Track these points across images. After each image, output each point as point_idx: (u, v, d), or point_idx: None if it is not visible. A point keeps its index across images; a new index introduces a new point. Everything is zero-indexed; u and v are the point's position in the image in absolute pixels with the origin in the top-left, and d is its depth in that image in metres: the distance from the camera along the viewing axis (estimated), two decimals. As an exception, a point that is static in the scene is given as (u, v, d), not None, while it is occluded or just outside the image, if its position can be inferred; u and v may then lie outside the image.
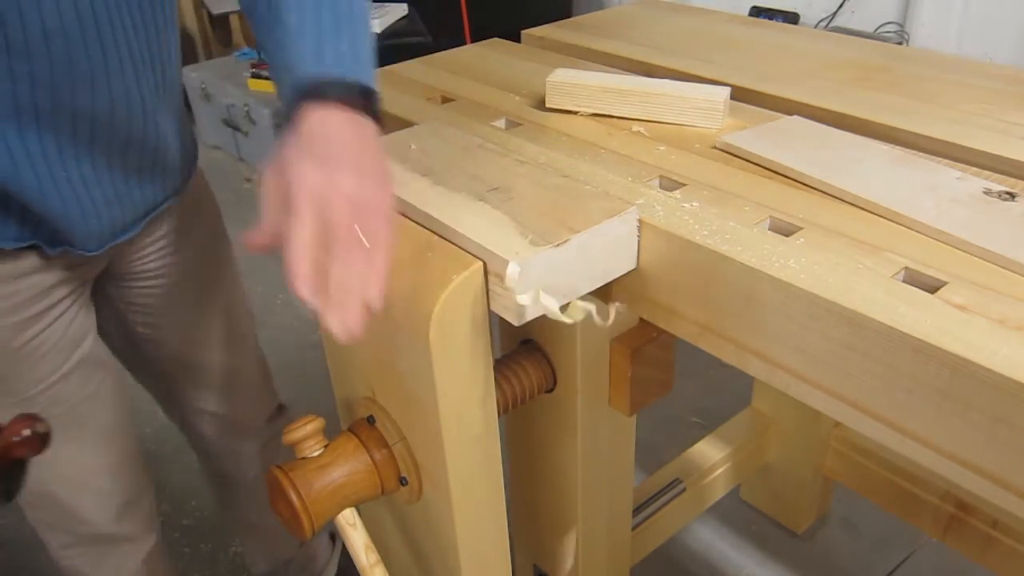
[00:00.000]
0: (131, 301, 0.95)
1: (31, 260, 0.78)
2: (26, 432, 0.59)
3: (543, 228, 0.66)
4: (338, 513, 0.77)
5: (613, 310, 0.68)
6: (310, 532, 0.74)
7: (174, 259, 0.94)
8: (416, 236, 0.70)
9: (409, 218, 0.72)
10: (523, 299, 0.63)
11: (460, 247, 0.67)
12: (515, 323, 0.65)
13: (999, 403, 0.49)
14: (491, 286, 0.66)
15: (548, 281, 0.65)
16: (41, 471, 0.86)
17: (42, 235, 0.76)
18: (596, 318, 0.65)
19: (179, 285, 0.96)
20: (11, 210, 0.73)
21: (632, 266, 0.70)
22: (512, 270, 0.62)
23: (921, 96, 0.90)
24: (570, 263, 0.66)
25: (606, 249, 0.68)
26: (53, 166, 0.72)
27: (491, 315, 0.68)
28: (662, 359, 0.85)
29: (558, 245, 0.64)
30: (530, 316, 0.65)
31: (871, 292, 0.56)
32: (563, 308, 0.65)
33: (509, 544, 0.84)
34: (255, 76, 2.97)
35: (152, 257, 0.92)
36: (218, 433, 1.13)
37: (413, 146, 0.82)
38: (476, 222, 0.67)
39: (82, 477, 0.94)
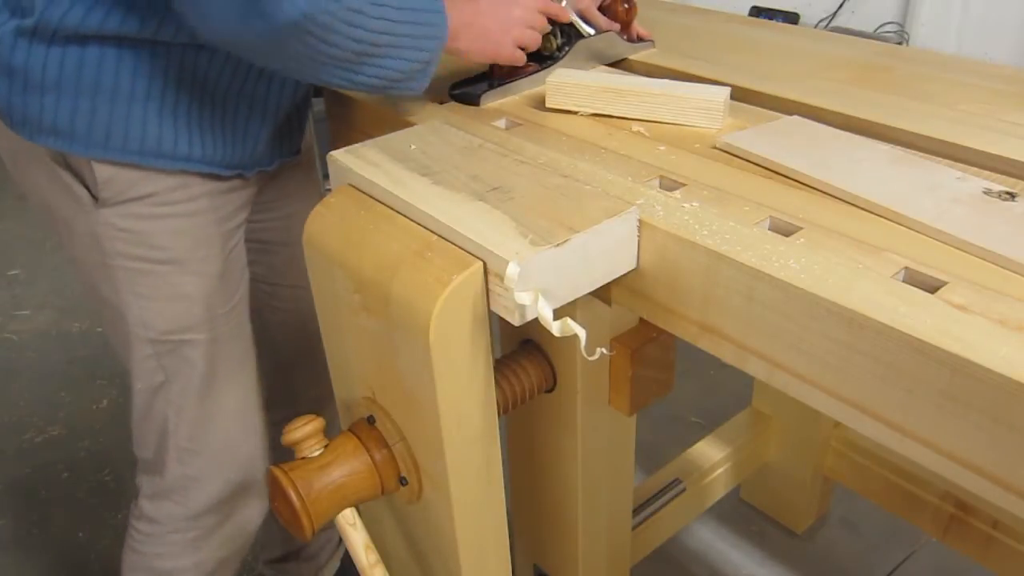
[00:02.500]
0: (248, 238, 1.02)
1: (233, 182, 0.92)
2: None
3: (543, 228, 0.66)
4: (338, 513, 0.77)
5: (599, 351, 0.70)
6: (310, 532, 0.74)
7: (291, 199, 1.07)
8: (416, 236, 0.70)
9: (409, 218, 0.72)
10: (523, 299, 0.63)
11: (460, 247, 0.67)
12: (515, 323, 0.65)
13: (999, 403, 0.49)
14: (491, 286, 0.66)
15: (548, 281, 0.65)
16: (221, 398, 0.97)
17: (245, 163, 0.91)
18: (582, 347, 0.66)
19: (290, 218, 1.07)
20: (227, 142, 0.88)
21: (632, 266, 0.70)
22: (512, 270, 0.62)
23: (921, 96, 0.90)
24: (570, 263, 0.66)
25: (606, 249, 0.68)
26: (255, 98, 0.89)
27: (491, 315, 0.68)
28: (662, 359, 0.85)
29: (558, 245, 0.64)
30: (530, 316, 0.65)
31: (871, 292, 0.56)
32: (557, 317, 0.65)
33: (509, 544, 0.84)
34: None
35: (277, 193, 1.05)
36: (280, 381, 1.16)
37: (413, 146, 0.82)
38: (476, 222, 0.67)
39: (247, 411, 1.01)
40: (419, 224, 0.71)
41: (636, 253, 0.70)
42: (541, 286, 0.65)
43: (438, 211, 0.69)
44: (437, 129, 0.86)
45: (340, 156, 0.81)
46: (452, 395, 0.69)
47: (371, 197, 0.77)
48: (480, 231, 0.66)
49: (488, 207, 0.69)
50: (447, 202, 0.71)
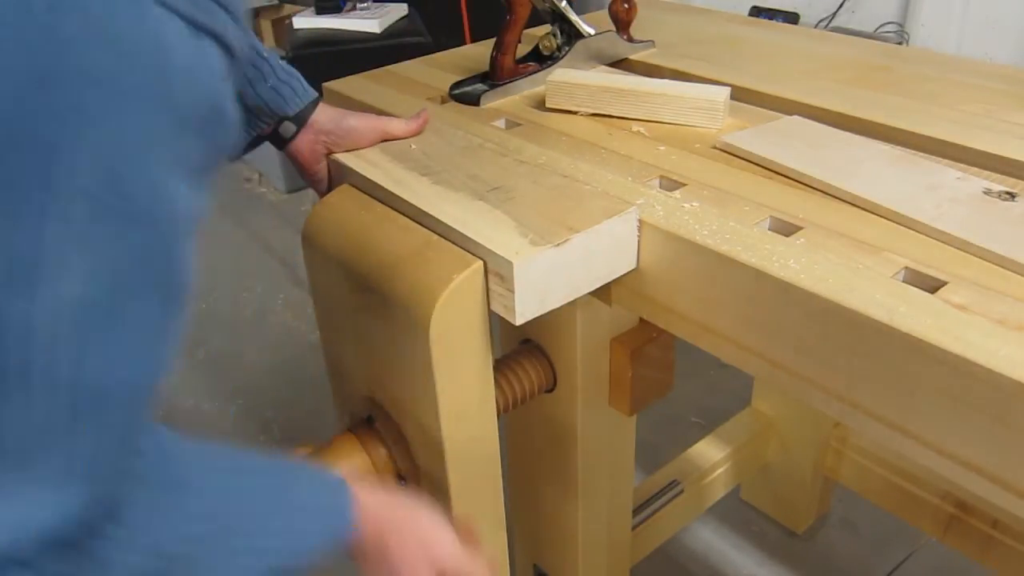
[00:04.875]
0: None
1: None
2: None
3: (543, 228, 0.66)
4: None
5: None
6: None
7: None
8: (416, 235, 0.70)
9: (409, 217, 0.72)
10: (523, 299, 0.63)
11: (460, 246, 0.67)
12: (515, 323, 0.65)
13: (999, 403, 0.49)
14: (491, 285, 0.66)
15: (548, 281, 0.65)
16: None
17: None
18: None
19: None
20: None
21: (632, 266, 0.70)
22: (514, 269, 0.62)
23: (921, 96, 0.90)
24: (571, 263, 0.66)
25: (606, 249, 0.68)
26: None
27: (491, 315, 0.68)
28: (662, 359, 0.85)
29: (558, 244, 0.64)
30: (530, 316, 0.65)
31: (871, 292, 0.56)
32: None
33: (509, 544, 0.83)
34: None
35: None
36: None
37: (413, 146, 0.82)
38: (476, 221, 0.67)
39: None
40: (419, 223, 0.71)
41: (636, 253, 0.70)
42: (542, 286, 0.65)
43: (438, 211, 0.69)
44: (437, 129, 0.86)
45: (341, 156, 0.81)
46: (452, 394, 0.69)
47: (371, 196, 0.77)
48: (480, 231, 0.66)
49: (488, 207, 0.69)
50: (447, 202, 0.71)
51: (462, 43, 1.27)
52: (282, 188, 2.93)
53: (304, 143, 0.82)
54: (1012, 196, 0.67)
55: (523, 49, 1.00)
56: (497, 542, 0.81)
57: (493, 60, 0.96)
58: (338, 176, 0.82)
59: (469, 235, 0.66)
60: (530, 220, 0.67)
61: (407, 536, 0.62)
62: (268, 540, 0.55)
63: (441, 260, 0.66)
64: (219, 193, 2.94)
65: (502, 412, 0.81)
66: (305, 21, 2.36)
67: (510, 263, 0.62)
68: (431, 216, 0.69)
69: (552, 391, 0.86)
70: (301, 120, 0.81)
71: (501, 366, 0.83)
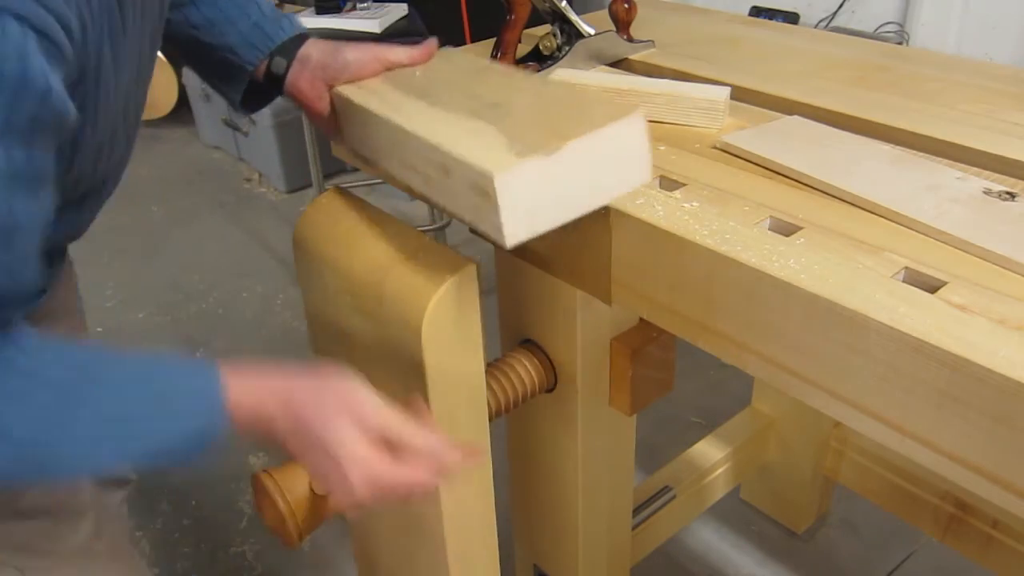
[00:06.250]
0: None
1: None
2: None
3: (535, 139, 0.60)
4: (326, 519, 0.76)
5: None
6: (298, 538, 0.72)
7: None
8: (409, 237, 0.70)
9: (400, 142, 0.67)
10: (510, 217, 0.58)
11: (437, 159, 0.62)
12: (505, 246, 0.60)
13: (999, 403, 0.49)
14: (476, 203, 0.60)
15: (538, 196, 0.60)
16: None
17: None
18: None
19: None
20: None
21: (646, 178, 0.64)
22: (494, 183, 0.57)
23: (921, 96, 0.90)
24: (566, 174, 0.60)
25: (611, 158, 0.62)
26: None
27: (490, 315, 0.68)
28: (662, 359, 0.85)
29: (549, 154, 0.58)
30: (523, 237, 0.60)
31: (871, 292, 0.56)
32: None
33: (508, 545, 0.83)
34: (255, 76, 2.96)
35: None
36: None
37: (418, 73, 0.78)
38: (463, 139, 0.62)
39: None
40: (402, 151, 0.66)
41: (648, 163, 0.64)
42: (530, 202, 0.59)
43: (424, 130, 0.64)
44: (448, 55, 0.81)
45: (341, 88, 0.76)
46: (444, 396, 0.68)
47: (354, 200, 0.76)
48: (463, 146, 0.61)
49: (483, 124, 0.64)
50: (437, 122, 0.65)
51: (462, 43, 1.27)
52: (282, 188, 2.93)
53: (302, 80, 0.78)
54: (1012, 196, 0.67)
55: (523, 49, 1.00)
56: (488, 546, 0.81)
57: (493, 60, 0.96)
58: (340, 109, 0.78)
59: (449, 151, 0.61)
60: (523, 133, 0.61)
61: (324, 403, 0.59)
62: (128, 427, 0.55)
63: (434, 261, 0.66)
64: (219, 193, 2.95)
65: (503, 412, 0.81)
66: (305, 21, 2.35)
67: (490, 176, 0.56)
68: (416, 137, 0.64)
69: (552, 391, 0.86)
70: (288, 53, 0.77)
71: (501, 365, 0.83)
